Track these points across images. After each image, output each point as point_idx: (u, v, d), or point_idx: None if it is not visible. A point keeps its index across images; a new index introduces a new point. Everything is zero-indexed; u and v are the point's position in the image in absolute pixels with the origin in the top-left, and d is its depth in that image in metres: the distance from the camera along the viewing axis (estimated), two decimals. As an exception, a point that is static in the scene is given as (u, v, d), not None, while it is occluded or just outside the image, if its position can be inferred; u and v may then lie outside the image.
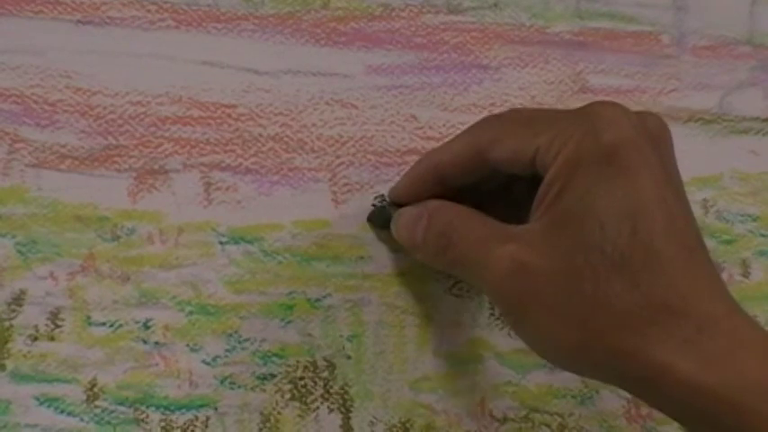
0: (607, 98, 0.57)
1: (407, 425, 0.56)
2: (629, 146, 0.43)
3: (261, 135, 0.56)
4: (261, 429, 0.54)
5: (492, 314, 0.58)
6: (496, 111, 0.59)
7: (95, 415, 0.52)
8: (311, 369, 0.55)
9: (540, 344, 0.46)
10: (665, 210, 0.43)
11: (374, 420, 0.55)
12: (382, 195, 0.56)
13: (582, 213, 0.43)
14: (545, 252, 0.44)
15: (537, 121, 0.46)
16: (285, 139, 0.57)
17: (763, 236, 0.62)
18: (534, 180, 0.46)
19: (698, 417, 0.41)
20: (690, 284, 0.42)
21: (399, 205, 0.53)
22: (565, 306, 0.43)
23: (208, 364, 0.54)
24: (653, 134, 0.45)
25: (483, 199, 0.50)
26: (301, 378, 0.55)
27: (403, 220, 0.52)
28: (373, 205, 0.56)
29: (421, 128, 0.59)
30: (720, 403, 0.40)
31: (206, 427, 0.53)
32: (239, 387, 0.54)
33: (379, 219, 0.55)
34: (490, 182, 0.50)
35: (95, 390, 0.52)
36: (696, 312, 0.41)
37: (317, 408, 0.55)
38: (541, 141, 0.45)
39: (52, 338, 0.53)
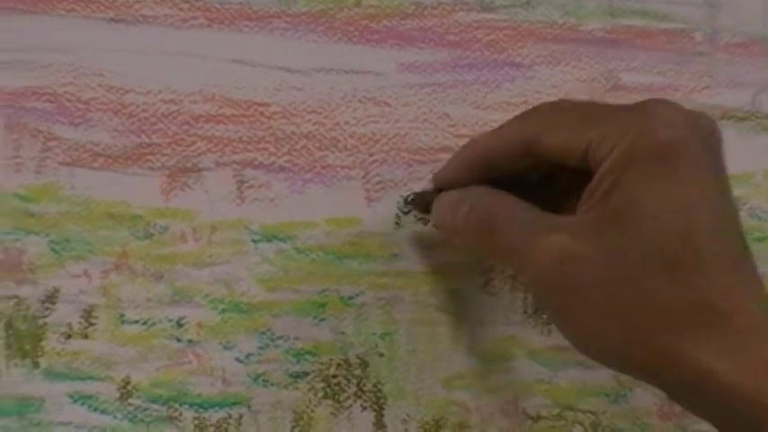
0: (639, 96, 0.56)
1: (440, 423, 0.53)
2: (684, 145, 0.41)
3: (294, 133, 0.54)
4: (294, 427, 0.52)
5: (525, 312, 0.55)
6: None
7: (128, 413, 0.50)
8: (344, 367, 0.53)
9: (581, 338, 0.43)
10: (716, 212, 0.41)
11: (407, 418, 0.53)
12: (414, 193, 0.53)
13: (634, 210, 0.41)
14: (594, 245, 0.41)
15: (590, 114, 0.44)
16: (318, 136, 0.54)
17: (795, 233, 0.58)
18: (578, 172, 0.44)
19: (738, 423, 0.39)
20: (736, 288, 0.40)
21: (441, 190, 0.51)
22: (611, 302, 0.41)
23: (241, 361, 0.52)
24: (706, 134, 0.42)
25: (523, 188, 0.47)
26: (334, 376, 0.53)
27: (444, 203, 0.49)
28: (406, 201, 0.54)
29: (454, 125, 0.56)
30: (763, 409, 0.38)
31: (239, 424, 0.51)
32: (272, 385, 0.52)
33: (420, 203, 0.52)
34: (533, 172, 0.48)
35: (129, 388, 0.50)
36: (741, 317, 0.39)
37: (350, 406, 0.53)
38: (595, 135, 0.43)
39: (86, 336, 0.50)
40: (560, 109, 0.46)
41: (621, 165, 0.41)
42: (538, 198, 0.46)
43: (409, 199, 0.53)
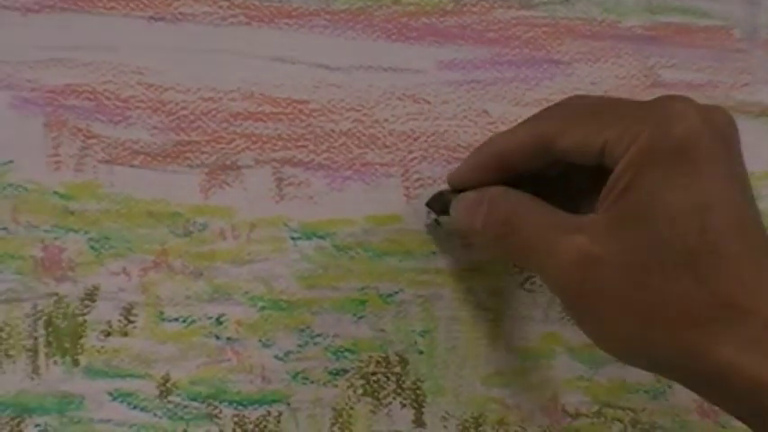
0: (678, 93, 0.52)
1: (480, 420, 0.50)
2: (699, 141, 0.39)
3: (333, 130, 0.51)
4: (333, 425, 0.49)
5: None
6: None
7: (168, 410, 0.48)
8: (383, 364, 0.50)
9: (603, 337, 0.41)
10: (734, 208, 0.39)
11: (446, 415, 0.50)
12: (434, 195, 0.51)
13: (651, 208, 0.39)
14: (613, 245, 0.39)
15: (605, 112, 0.42)
16: (357, 134, 0.51)
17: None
18: (594, 171, 0.42)
19: (764, 416, 0.37)
20: (757, 283, 0.38)
21: (458, 191, 0.48)
22: (631, 300, 0.39)
23: (280, 359, 0.49)
24: (721, 129, 0.40)
25: (540, 187, 0.45)
26: (374, 373, 0.50)
27: (462, 204, 0.47)
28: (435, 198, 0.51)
29: (493, 123, 0.52)
30: None
31: (278, 422, 0.49)
32: (312, 382, 0.49)
33: (438, 204, 0.50)
34: (549, 170, 0.45)
35: (168, 385, 0.48)
36: (763, 311, 0.37)
37: (390, 403, 0.50)
38: (611, 134, 0.40)
39: (125, 334, 0.48)
40: (575, 108, 0.44)
41: (638, 162, 0.39)
42: (555, 197, 0.44)
43: (427, 201, 0.50)
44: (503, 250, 0.46)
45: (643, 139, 0.39)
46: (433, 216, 0.50)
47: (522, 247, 0.43)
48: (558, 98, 0.49)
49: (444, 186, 0.50)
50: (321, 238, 0.50)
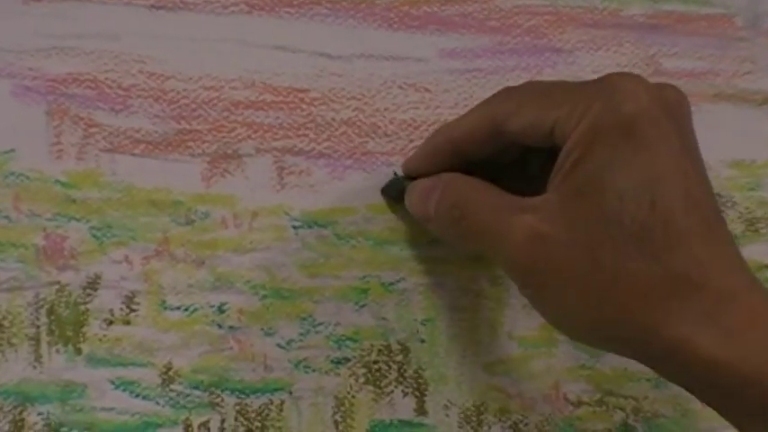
0: (681, 81, 0.53)
1: (481, 408, 0.50)
2: (647, 117, 0.38)
3: (334, 119, 0.50)
4: (335, 413, 0.48)
5: None
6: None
7: (170, 399, 0.47)
8: (385, 353, 0.49)
9: (557, 317, 0.41)
10: (684, 182, 0.38)
11: (448, 404, 0.50)
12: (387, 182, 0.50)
13: (600, 184, 0.38)
14: (563, 223, 0.39)
15: (555, 93, 0.41)
16: (358, 123, 0.51)
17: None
18: (549, 153, 0.41)
19: (717, 392, 0.37)
20: (709, 257, 0.37)
21: (413, 178, 0.47)
22: (583, 278, 0.38)
23: (282, 347, 0.48)
24: (671, 105, 0.39)
25: (496, 173, 0.44)
26: (375, 362, 0.49)
27: (416, 191, 0.46)
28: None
29: None
30: (740, 378, 0.36)
31: (281, 410, 0.48)
32: (314, 371, 0.48)
33: (393, 191, 0.49)
34: (504, 155, 0.45)
35: (170, 373, 0.47)
36: (715, 285, 0.37)
37: (392, 391, 0.49)
38: (561, 113, 0.40)
39: (127, 322, 0.47)
40: (525, 91, 0.43)
41: (586, 140, 0.39)
42: (512, 182, 0.43)
43: (381, 188, 0.50)
44: (455, 235, 0.45)
45: (591, 115, 0.39)
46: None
47: (473, 230, 0.42)
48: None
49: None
50: (322, 226, 0.49)
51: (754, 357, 0.36)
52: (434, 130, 0.47)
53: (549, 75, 0.53)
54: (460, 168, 0.45)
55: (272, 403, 0.48)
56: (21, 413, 0.46)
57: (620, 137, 0.38)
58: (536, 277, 0.40)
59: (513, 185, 0.43)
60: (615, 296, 0.38)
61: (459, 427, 0.49)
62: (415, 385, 0.49)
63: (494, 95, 0.44)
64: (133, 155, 0.48)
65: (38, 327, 0.46)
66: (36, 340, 0.46)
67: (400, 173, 0.49)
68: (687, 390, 0.39)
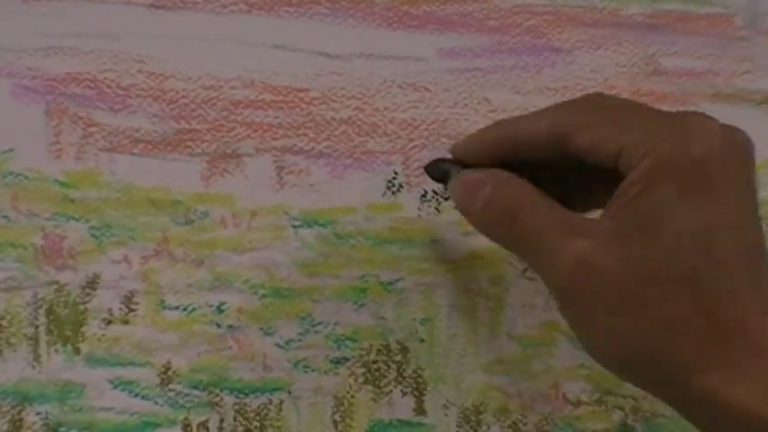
0: (679, 80, 0.53)
1: (481, 408, 0.50)
2: (717, 162, 0.38)
3: (333, 119, 0.50)
4: (334, 413, 0.48)
5: None
6: (569, 94, 0.52)
7: (169, 398, 0.47)
8: (384, 352, 0.49)
9: (593, 344, 0.40)
10: (742, 235, 0.38)
11: (447, 403, 0.49)
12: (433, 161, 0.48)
13: (660, 221, 0.38)
14: (616, 252, 0.38)
15: (626, 116, 0.40)
16: (358, 122, 0.50)
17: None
18: (596, 173, 0.41)
19: None
20: (754, 314, 0.37)
21: (459, 163, 0.46)
22: (627, 311, 0.38)
23: (281, 347, 0.48)
24: (740, 150, 0.39)
25: (539, 177, 0.43)
26: (375, 361, 0.49)
27: (465, 182, 0.45)
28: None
29: (494, 111, 0.52)
30: None
31: (280, 410, 0.48)
32: (313, 370, 0.48)
33: (436, 172, 0.47)
34: (558, 165, 0.43)
35: (169, 373, 0.47)
36: (757, 339, 0.36)
37: (391, 391, 0.49)
38: (629, 139, 0.39)
39: (126, 322, 0.47)
40: (596, 106, 0.42)
41: (652, 174, 0.38)
42: (550, 190, 0.42)
43: (425, 166, 0.48)
44: (500, 238, 0.44)
45: (661, 150, 0.38)
46: (432, 204, 0.50)
47: (521, 239, 0.42)
48: (558, 86, 0.49)
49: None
50: (322, 226, 0.49)
51: None
52: (496, 122, 0.46)
53: (548, 74, 0.52)
54: (509, 165, 0.44)
55: (270, 403, 0.48)
56: (19, 413, 0.45)
57: (688, 177, 0.38)
58: (580, 303, 0.39)
59: (554, 192, 0.42)
60: (656, 334, 0.37)
61: (459, 427, 0.49)
62: (414, 385, 0.49)
63: (565, 103, 0.43)
64: (132, 154, 0.48)
65: (36, 326, 0.46)
66: (35, 340, 0.46)
67: (400, 172, 0.48)
68: None
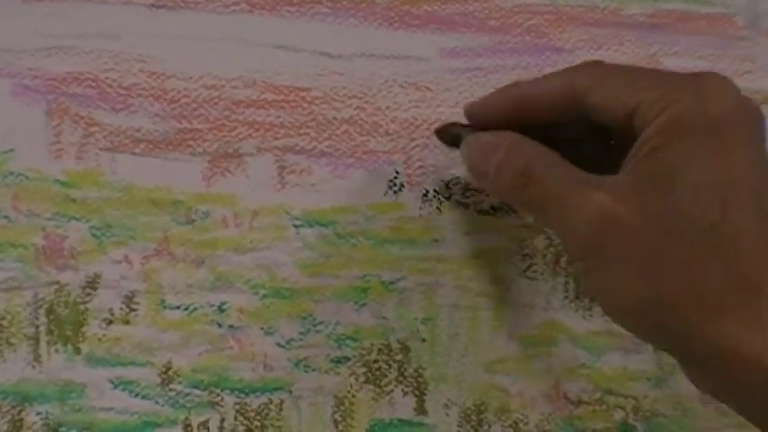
0: None
1: (482, 407, 0.49)
2: (732, 121, 0.38)
3: (335, 118, 0.50)
4: (335, 412, 0.48)
5: (566, 296, 0.51)
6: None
7: (170, 398, 0.47)
8: (385, 352, 0.49)
9: (608, 296, 0.40)
10: (757, 189, 0.38)
11: (448, 403, 0.49)
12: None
13: (676, 175, 0.38)
14: (634, 206, 0.38)
15: (642, 76, 0.41)
16: (359, 122, 0.50)
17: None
18: (610, 135, 0.42)
19: (758, 400, 0.36)
20: None
21: (471, 127, 0.46)
22: (645, 262, 0.38)
23: (282, 347, 0.48)
24: (754, 114, 0.39)
25: (552, 143, 0.43)
26: (375, 361, 0.49)
27: (477, 145, 0.45)
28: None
29: None
30: None
31: (280, 410, 0.48)
32: (313, 370, 0.48)
33: (448, 136, 0.47)
34: (568, 129, 0.44)
35: (170, 373, 0.47)
36: None
37: (392, 391, 0.49)
38: (646, 96, 0.40)
39: (127, 322, 0.47)
40: (611, 67, 0.43)
41: (668, 130, 0.39)
42: (566, 156, 0.42)
43: (435, 129, 0.48)
44: (516, 200, 0.44)
45: (678, 107, 0.39)
46: (434, 204, 0.49)
47: (538, 199, 0.41)
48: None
49: (447, 174, 0.50)
50: (323, 225, 0.49)
51: None
52: (509, 83, 0.46)
53: (549, 74, 0.52)
54: (520, 128, 0.43)
55: (271, 403, 0.47)
56: (20, 413, 0.45)
57: (703, 134, 0.38)
58: (599, 255, 0.39)
59: (570, 160, 0.42)
60: (673, 284, 0.37)
61: (459, 427, 0.49)
62: (414, 384, 0.49)
63: (579, 65, 0.44)
64: (133, 154, 0.48)
65: (37, 326, 0.46)
66: (35, 340, 0.46)
67: (402, 172, 0.48)
68: (729, 398, 0.38)
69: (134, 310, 0.47)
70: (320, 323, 0.48)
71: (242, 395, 0.47)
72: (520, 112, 0.44)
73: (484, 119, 0.45)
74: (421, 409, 0.49)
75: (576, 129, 0.43)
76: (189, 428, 0.46)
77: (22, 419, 0.45)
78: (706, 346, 0.37)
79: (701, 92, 0.39)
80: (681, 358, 0.39)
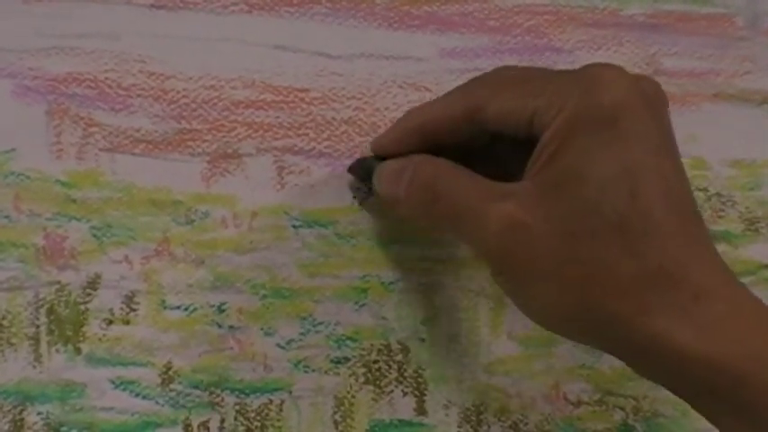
0: (681, 81, 0.53)
1: (481, 408, 0.50)
2: (626, 109, 0.38)
3: (334, 119, 0.50)
4: (335, 413, 0.48)
5: None
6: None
7: (170, 398, 0.47)
8: (385, 352, 0.49)
9: (531, 306, 0.40)
10: (663, 176, 0.38)
11: (448, 404, 0.50)
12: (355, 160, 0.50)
13: (579, 175, 0.38)
14: (541, 212, 0.38)
15: (533, 81, 0.41)
16: (358, 122, 0.50)
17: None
18: (519, 142, 0.41)
19: (694, 387, 0.37)
20: (687, 252, 0.37)
21: (382, 159, 0.46)
22: (561, 269, 0.38)
23: (282, 347, 0.48)
24: (650, 97, 0.39)
25: (466, 158, 0.43)
26: (375, 361, 0.49)
27: (386, 172, 0.45)
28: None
29: None
30: (717, 372, 0.36)
31: (280, 410, 0.48)
32: (313, 371, 0.48)
33: (361, 170, 0.48)
34: (475, 141, 0.44)
35: (170, 373, 0.47)
36: (693, 280, 0.37)
37: (392, 391, 0.49)
38: (539, 102, 0.39)
39: (127, 322, 0.47)
40: (503, 77, 0.43)
41: (566, 129, 0.38)
42: (480, 168, 0.42)
43: (348, 167, 0.49)
44: (427, 218, 0.44)
45: (571, 106, 0.38)
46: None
47: (447, 214, 0.42)
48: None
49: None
50: (322, 226, 0.49)
51: (729, 352, 0.36)
52: (407, 111, 0.46)
53: (549, 74, 0.52)
54: (430, 152, 0.44)
55: (271, 403, 0.48)
56: (20, 413, 0.46)
57: (600, 128, 0.38)
58: (512, 266, 0.39)
59: (483, 171, 0.42)
60: (592, 287, 0.37)
61: (459, 427, 0.49)
62: (414, 385, 0.49)
63: (469, 81, 0.44)
64: (133, 154, 0.48)
65: (37, 326, 0.46)
66: (36, 340, 0.46)
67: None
68: (664, 386, 0.38)
69: (134, 310, 0.47)
70: (320, 323, 0.48)
71: (242, 395, 0.47)
72: (424, 138, 0.44)
73: (391, 149, 0.46)
74: (421, 410, 0.49)
75: (483, 141, 0.43)
76: (189, 429, 0.47)
77: (23, 419, 0.45)
78: (638, 342, 0.37)
79: (590, 86, 0.38)
80: (617, 355, 0.39)
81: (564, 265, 0.38)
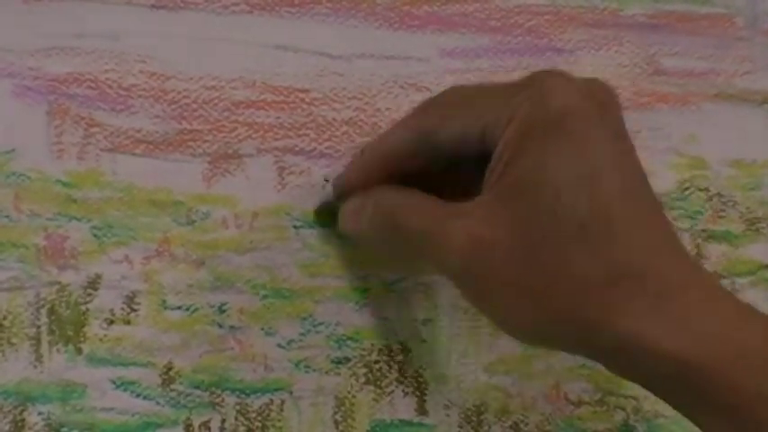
0: (680, 81, 0.54)
1: (482, 408, 0.50)
2: (577, 112, 0.37)
3: (334, 119, 0.50)
4: (336, 413, 0.49)
5: None
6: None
7: (171, 398, 0.47)
8: (386, 353, 0.49)
9: (501, 319, 0.40)
10: (619, 174, 0.37)
11: (449, 404, 0.50)
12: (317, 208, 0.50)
13: (535, 182, 0.37)
14: (500, 224, 0.38)
15: (480, 99, 0.41)
16: (359, 123, 0.51)
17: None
18: (481, 161, 0.40)
19: (669, 384, 0.37)
20: (650, 249, 0.37)
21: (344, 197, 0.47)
22: (525, 279, 0.37)
23: (283, 347, 0.48)
24: (599, 99, 0.39)
25: (431, 184, 0.43)
26: (376, 362, 0.49)
27: (349, 210, 0.46)
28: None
29: None
30: (689, 369, 0.35)
31: (281, 410, 0.48)
32: (314, 371, 0.49)
33: (325, 215, 0.49)
34: (436, 165, 0.43)
35: (171, 373, 0.47)
36: (658, 276, 0.36)
37: (392, 391, 0.49)
38: (489, 119, 0.39)
39: (128, 322, 0.47)
40: (449, 100, 0.43)
41: (517, 138, 0.38)
42: (446, 192, 0.42)
43: (314, 216, 0.49)
44: (391, 245, 0.45)
45: (520, 115, 0.38)
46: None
47: (409, 238, 0.42)
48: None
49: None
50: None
51: (701, 346, 0.35)
52: (361, 148, 0.47)
53: (549, 74, 0.53)
54: (394, 181, 0.44)
55: (272, 403, 0.48)
56: (21, 413, 0.45)
57: (551, 133, 0.37)
58: (477, 281, 0.39)
59: (450, 194, 0.42)
60: (558, 294, 0.37)
61: (460, 427, 0.49)
62: (415, 385, 0.49)
63: (419, 107, 0.44)
64: (134, 155, 0.48)
65: (38, 326, 0.46)
66: (36, 340, 0.46)
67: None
68: (639, 384, 0.38)
69: (135, 310, 0.47)
70: (321, 324, 0.49)
71: (243, 396, 0.48)
72: (385, 169, 0.44)
73: (353, 188, 0.46)
74: (421, 410, 0.49)
75: (441, 165, 0.43)
76: (190, 429, 0.47)
77: (23, 420, 0.45)
78: (609, 345, 0.37)
79: (538, 93, 0.38)
80: (593, 358, 0.39)
81: (527, 275, 0.37)
